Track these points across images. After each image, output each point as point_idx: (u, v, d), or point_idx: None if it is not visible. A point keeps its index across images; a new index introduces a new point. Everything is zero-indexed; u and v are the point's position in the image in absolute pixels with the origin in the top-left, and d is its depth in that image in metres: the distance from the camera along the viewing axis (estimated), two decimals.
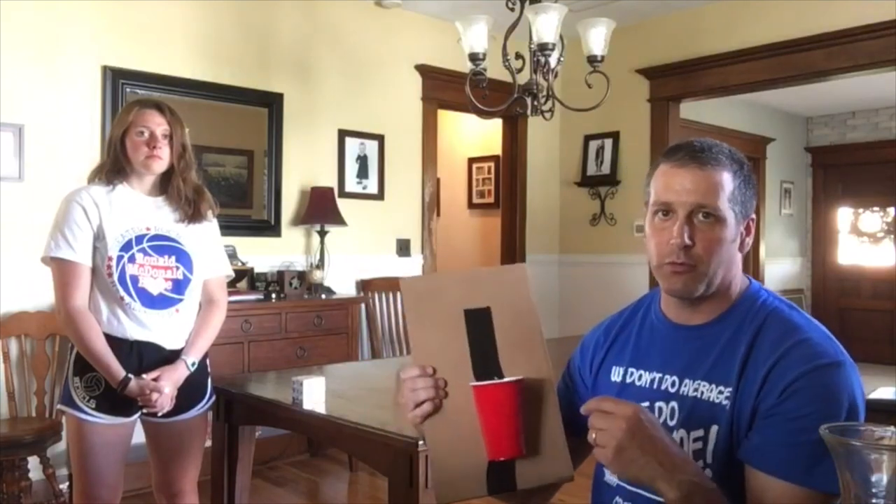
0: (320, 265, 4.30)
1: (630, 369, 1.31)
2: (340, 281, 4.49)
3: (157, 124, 2.14)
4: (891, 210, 7.89)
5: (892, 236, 7.88)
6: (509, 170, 5.71)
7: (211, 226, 2.30)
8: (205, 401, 2.26)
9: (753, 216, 1.25)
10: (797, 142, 8.18)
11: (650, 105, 5.20)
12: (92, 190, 2.15)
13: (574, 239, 5.71)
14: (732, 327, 1.21)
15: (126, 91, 3.76)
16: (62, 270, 2.09)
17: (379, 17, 4.79)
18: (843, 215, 8.24)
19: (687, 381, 1.22)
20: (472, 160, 6.49)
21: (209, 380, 2.29)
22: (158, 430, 2.21)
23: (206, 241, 2.26)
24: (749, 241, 1.25)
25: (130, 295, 2.10)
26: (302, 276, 4.20)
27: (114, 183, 2.15)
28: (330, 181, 4.55)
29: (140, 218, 2.15)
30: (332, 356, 3.96)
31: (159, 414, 2.13)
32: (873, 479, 0.94)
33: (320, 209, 4.34)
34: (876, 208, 8.08)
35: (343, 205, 4.46)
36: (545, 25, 3.11)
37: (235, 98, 4.15)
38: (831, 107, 7.73)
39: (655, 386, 1.26)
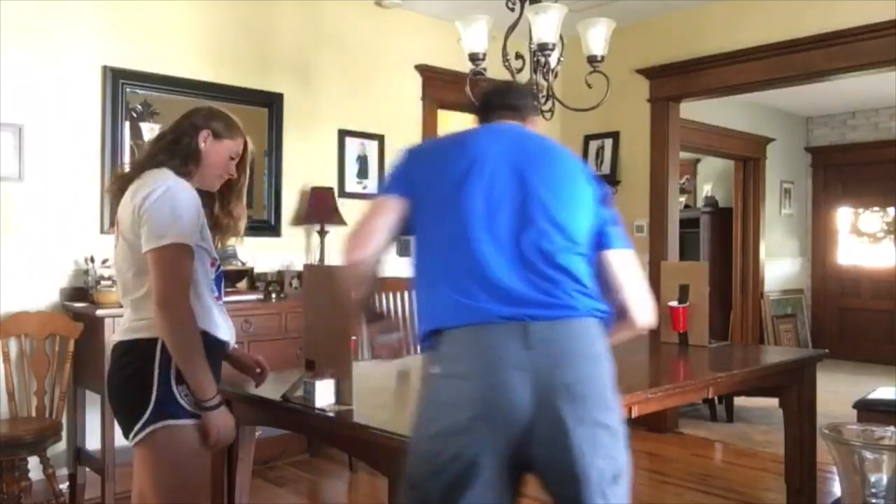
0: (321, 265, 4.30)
1: None
2: None
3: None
4: (891, 210, 7.90)
5: (892, 236, 7.88)
6: None
7: None
8: None
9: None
10: (797, 142, 8.18)
11: (650, 105, 5.20)
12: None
13: None
14: None
15: (126, 91, 3.76)
16: (178, 258, 1.84)
17: (379, 17, 4.79)
18: (843, 215, 8.25)
19: None
20: None
21: None
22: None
23: None
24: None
25: (221, 294, 2.05)
26: (302, 276, 4.20)
27: (189, 180, 1.99)
28: (330, 181, 4.55)
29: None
30: None
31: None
32: (873, 479, 0.94)
33: (320, 209, 4.34)
34: (876, 208, 8.08)
35: (343, 205, 4.46)
36: (545, 25, 3.11)
37: (235, 98, 4.15)
38: (831, 107, 7.73)
39: None
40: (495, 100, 1.93)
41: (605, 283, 1.70)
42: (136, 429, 1.84)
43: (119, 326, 1.96)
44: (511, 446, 1.49)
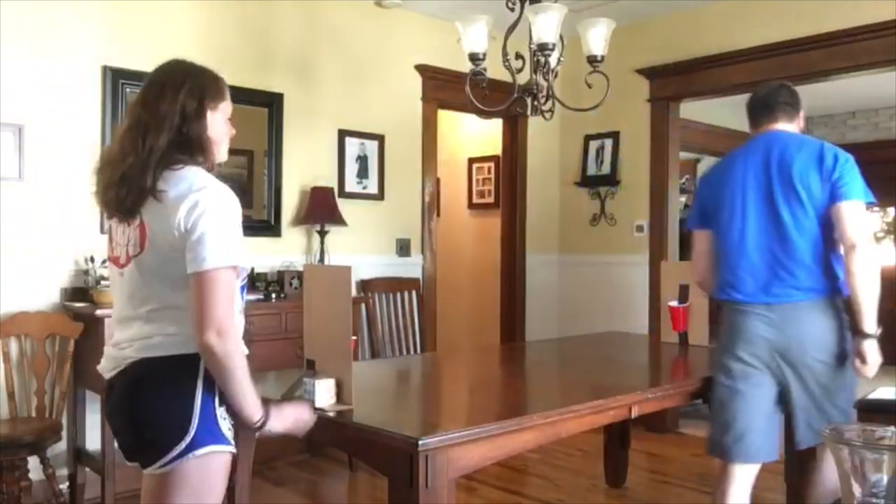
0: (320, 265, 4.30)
1: None
2: None
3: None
4: (891, 210, 7.90)
5: (892, 236, 7.88)
6: (509, 170, 5.71)
7: None
8: None
9: None
10: None
11: (650, 105, 5.20)
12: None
13: (574, 239, 5.71)
14: None
15: (126, 91, 3.76)
16: (232, 281, 1.72)
17: (379, 17, 4.79)
18: None
19: None
20: (472, 160, 6.49)
21: None
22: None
23: None
24: None
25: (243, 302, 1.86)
26: (302, 276, 4.20)
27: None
28: (330, 181, 4.55)
29: None
30: None
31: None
32: (873, 479, 0.94)
33: (320, 209, 4.34)
34: (876, 208, 8.08)
35: (343, 205, 4.46)
36: (545, 25, 3.11)
37: (235, 98, 4.04)
38: (831, 107, 7.73)
39: None
40: (755, 110, 2.66)
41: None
42: (170, 457, 1.58)
43: (138, 341, 1.69)
44: None
